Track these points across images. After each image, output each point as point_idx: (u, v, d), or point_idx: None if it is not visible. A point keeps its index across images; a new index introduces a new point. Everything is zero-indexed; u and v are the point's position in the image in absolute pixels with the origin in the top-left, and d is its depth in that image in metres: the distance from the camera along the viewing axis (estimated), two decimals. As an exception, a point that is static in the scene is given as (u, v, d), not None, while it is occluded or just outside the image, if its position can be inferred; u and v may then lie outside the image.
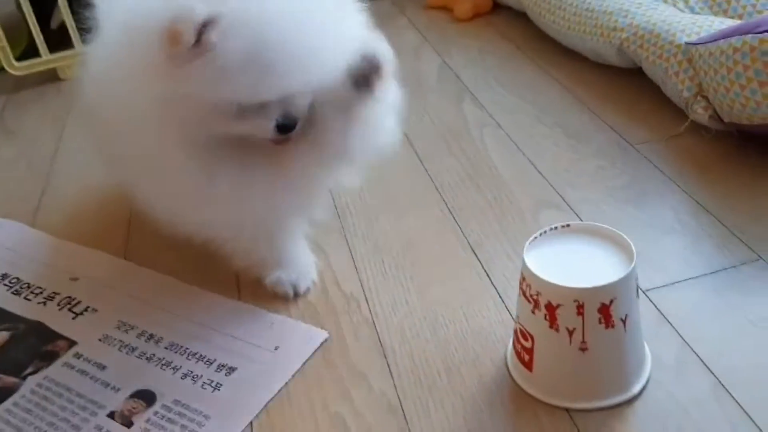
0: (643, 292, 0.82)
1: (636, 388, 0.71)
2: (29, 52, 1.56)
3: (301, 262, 0.91)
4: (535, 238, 0.71)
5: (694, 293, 0.82)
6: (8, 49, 1.51)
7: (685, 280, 0.83)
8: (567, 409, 0.70)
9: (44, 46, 1.54)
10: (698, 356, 0.74)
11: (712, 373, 0.72)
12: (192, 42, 0.65)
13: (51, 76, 1.59)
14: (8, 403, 0.78)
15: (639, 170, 1.03)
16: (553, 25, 1.38)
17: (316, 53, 0.70)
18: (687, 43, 1.07)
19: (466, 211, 1.00)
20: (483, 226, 0.97)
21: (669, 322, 0.78)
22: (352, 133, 0.79)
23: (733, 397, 0.69)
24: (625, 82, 1.25)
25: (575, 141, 1.12)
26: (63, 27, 1.55)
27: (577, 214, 0.96)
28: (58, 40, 1.57)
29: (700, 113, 1.04)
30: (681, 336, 0.76)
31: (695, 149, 1.05)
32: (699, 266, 0.85)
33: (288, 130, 0.74)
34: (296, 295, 0.88)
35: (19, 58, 1.55)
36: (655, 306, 0.80)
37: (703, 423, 0.67)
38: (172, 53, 0.66)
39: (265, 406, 0.75)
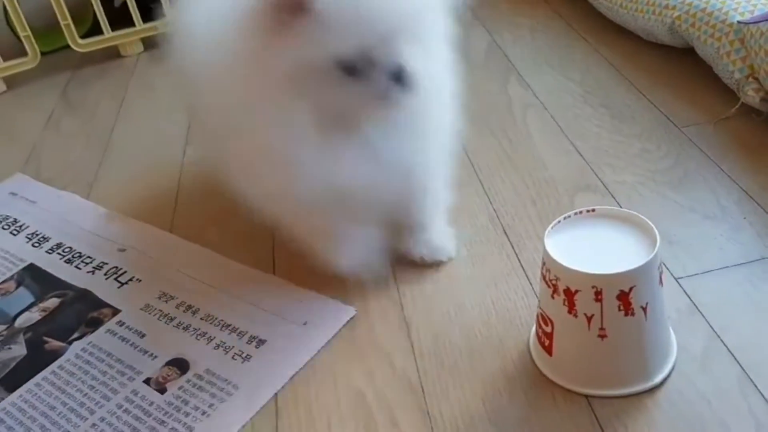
0: (675, 280, 0.81)
1: (658, 378, 0.70)
2: (93, 30, 1.63)
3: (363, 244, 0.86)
4: (558, 222, 0.71)
5: (727, 283, 0.79)
6: (73, 27, 1.57)
7: (720, 269, 0.81)
8: (586, 396, 0.70)
9: (106, 24, 1.60)
10: (726, 347, 0.72)
11: (740, 365, 0.70)
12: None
13: (113, 53, 1.65)
14: (54, 366, 0.83)
15: (683, 153, 1.01)
16: (605, 3, 1.34)
17: None
18: (739, 22, 1.02)
19: (502, 192, 1.00)
20: (517, 207, 0.96)
21: (699, 311, 0.77)
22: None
23: (759, 390, 0.68)
24: (677, 62, 1.21)
25: (619, 122, 1.10)
26: (125, 5, 1.60)
27: (614, 197, 0.95)
28: (120, 18, 1.63)
29: (751, 95, 1.00)
30: (710, 326, 0.75)
31: (744, 133, 1.02)
32: (735, 255, 0.82)
33: (399, 80, 0.71)
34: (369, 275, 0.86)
35: (83, 36, 1.61)
36: (687, 294, 0.79)
37: (726, 415, 0.66)
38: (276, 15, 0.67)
39: (291, 379, 0.77)
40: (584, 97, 1.18)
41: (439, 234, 0.90)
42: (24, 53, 1.55)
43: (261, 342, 0.82)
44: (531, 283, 0.84)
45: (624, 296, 0.65)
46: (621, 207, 0.92)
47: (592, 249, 0.69)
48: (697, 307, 0.77)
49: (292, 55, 0.70)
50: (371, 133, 0.76)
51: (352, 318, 0.83)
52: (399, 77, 0.71)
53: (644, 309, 0.66)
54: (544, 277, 0.69)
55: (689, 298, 0.78)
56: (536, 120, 1.15)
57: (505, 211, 0.96)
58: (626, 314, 0.66)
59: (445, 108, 0.82)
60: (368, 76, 0.71)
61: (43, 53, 1.59)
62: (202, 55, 0.78)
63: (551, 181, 1.00)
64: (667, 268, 0.82)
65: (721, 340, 0.73)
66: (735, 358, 0.71)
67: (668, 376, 0.70)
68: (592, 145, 1.06)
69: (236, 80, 0.74)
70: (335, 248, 0.86)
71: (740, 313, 0.76)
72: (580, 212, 0.72)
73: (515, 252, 0.89)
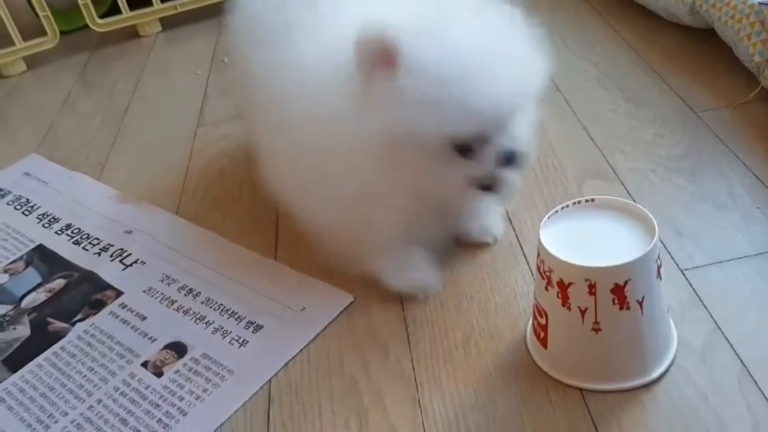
0: (681, 272, 0.78)
1: (655, 373, 0.68)
2: (112, 9, 1.63)
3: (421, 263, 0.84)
4: (556, 212, 0.69)
5: (734, 275, 0.77)
6: (92, 7, 1.58)
7: (728, 260, 0.79)
8: (580, 390, 0.68)
9: (125, 3, 1.60)
10: (728, 341, 0.70)
11: (741, 361, 0.68)
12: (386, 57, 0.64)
13: (132, 33, 1.65)
14: (56, 347, 0.84)
15: (698, 139, 0.97)
16: (626, -19, 1.30)
17: (516, 78, 0.68)
18: (761, 3, 0.98)
19: (509, 178, 0.98)
20: (523, 194, 0.94)
21: (703, 304, 0.74)
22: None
23: (758, 387, 0.66)
24: (697, 44, 1.17)
25: (634, 106, 1.07)
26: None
27: (623, 185, 0.92)
28: (139, -1, 1.63)
29: (771, 79, 0.96)
30: (713, 319, 0.73)
31: (763, 119, 0.98)
32: (745, 246, 0.80)
33: (511, 162, 0.71)
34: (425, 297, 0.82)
35: (102, 16, 1.62)
36: (692, 286, 0.76)
37: (723, 412, 0.64)
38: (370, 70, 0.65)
39: (285, 365, 0.77)
40: (600, 79, 1.15)
41: (490, 214, 0.89)
42: (44, 33, 1.56)
43: (258, 327, 0.82)
44: (532, 272, 0.82)
45: (619, 290, 0.63)
46: (630, 195, 0.90)
47: (589, 240, 0.67)
48: (701, 300, 0.75)
49: (396, 123, 0.67)
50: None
51: (350, 305, 0.83)
52: (511, 159, 0.70)
53: (640, 303, 0.64)
54: (539, 268, 0.68)
55: (694, 290, 0.76)
56: (549, 103, 1.12)
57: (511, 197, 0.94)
58: (621, 308, 0.64)
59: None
60: (480, 156, 0.70)
61: (62, 33, 1.60)
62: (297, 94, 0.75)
63: (560, 167, 0.98)
64: (673, 259, 0.80)
65: (723, 334, 0.71)
66: (736, 353, 0.69)
67: (667, 370, 0.69)
68: (605, 130, 1.03)
69: (328, 136, 0.72)
70: (398, 271, 0.82)
71: (745, 306, 0.73)
72: (579, 202, 0.70)
73: (518, 240, 0.87)
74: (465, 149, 0.69)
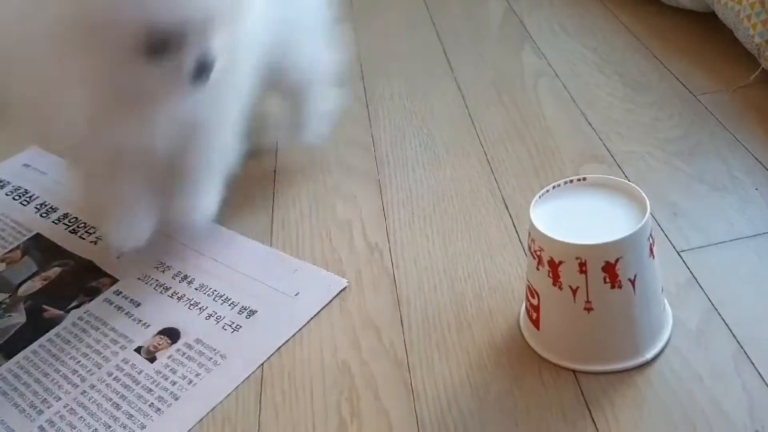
0: (678, 253, 0.77)
1: (649, 354, 0.67)
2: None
3: (135, 219, 0.87)
4: (547, 191, 0.68)
5: (731, 255, 0.76)
6: None
7: (726, 241, 0.78)
8: (573, 371, 0.68)
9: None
10: (724, 322, 0.69)
11: (737, 340, 0.67)
12: None
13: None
14: (51, 334, 0.84)
15: (696, 122, 0.96)
16: (627, -34, 1.29)
17: None
18: (760, -17, 0.97)
19: (506, 162, 0.97)
20: (519, 179, 0.93)
21: (699, 285, 0.73)
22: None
23: (755, 366, 0.65)
24: (697, 27, 1.15)
25: (633, 90, 1.06)
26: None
27: (620, 168, 0.91)
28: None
29: (771, 61, 0.95)
30: (710, 300, 0.72)
31: (763, 101, 0.97)
32: (742, 227, 0.79)
33: (204, 71, 0.67)
34: (119, 256, 0.89)
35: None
36: (688, 268, 0.75)
37: (718, 392, 0.63)
38: None
39: (278, 349, 0.77)
40: (599, 65, 1.14)
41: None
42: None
43: (252, 312, 0.82)
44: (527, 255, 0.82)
45: (610, 268, 0.62)
46: (627, 177, 0.89)
47: (580, 219, 0.66)
48: (697, 281, 0.74)
49: (93, 8, 0.61)
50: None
51: (343, 289, 0.82)
52: (203, 66, 0.67)
53: (632, 282, 0.63)
54: (529, 248, 0.67)
55: (690, 271, 0.75)
56: (547, 89, 1.11)
57: (506, 182, 0.93)
58: (613, 287, 0.63)
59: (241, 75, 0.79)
60: (173, 58, 0.65)
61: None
62: None
63: (557, 152, 0.97)
64: (670, 241, 0.79)
65: (720, 315, 0.70)
66: (732, 333, 0.68)
67: (661, 352, 0.68)
68: (603, 115, 1.02)
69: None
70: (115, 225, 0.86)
71: (742, 287, 0.72)
72: (571, 181, 0.69)
73: (513, 224, 0.87)
74: (159, 47, 0.64)
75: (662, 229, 0.80)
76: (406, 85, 1.19)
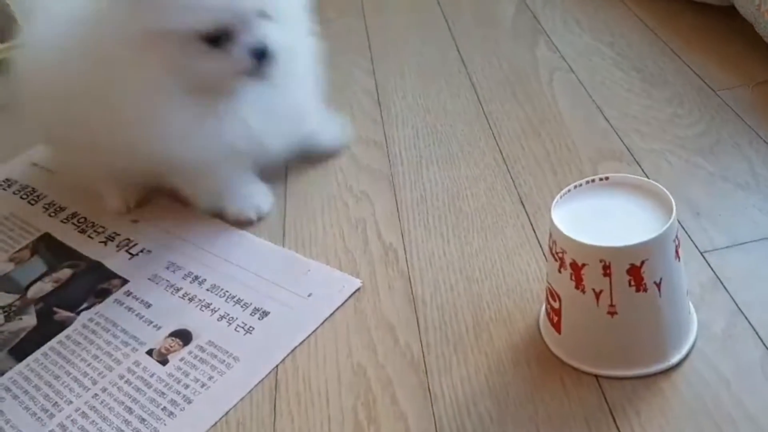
0: (701, 254, 0.76)
1: (674, 358, 0.65)
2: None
3: (256, 190, 0.95)
4: (569, 191, 0.67)
5: (757, 257, 0.74)
6: None
7: (750, 242, 0.76)
8: (596, 376, 0.66)
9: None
10: (751, 325, 0.67)
11: (763, 343, 0.65)
12: None
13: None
14: (62, 336, 0.83)
15: (717, 118, 0.94)
16: (642, -41, 1.26)
17: None
18: (782, -24, 0.95)
19: (522, 160, 0.95)
20: (536, 177, 0.92)
21: (724, 287, 0.71)
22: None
23: (783, 372, 0.63)
24: (716, 22, 1.13)
25: (651, 86, 1.04)
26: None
27: (640, 165, 0.89)
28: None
29: (793, 55, 0.93)
30: (735, 302, 0.70)
31: (785, 96, 0.95)
32: (767, 227, 0.77)
33: (262, 56, 0.80)
34: (260, 218, 0.94)
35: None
36: (712, 269, 0.74)
37: (745, 396, 0.62)
38: None
39: (291, 351, 0.75)
40: (615, 60, 1.12)
41: (331, 122, 1.04)
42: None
43: (264, 314, 0.81)
44: (545, 256, 0.80)
45: (635, 271, 0.60)
46: (647, 175, 0.87)
47: (603, 220, 0.64)
48: (721, 282, 0.72)
49: (152, 21, 0.78)
50: (241, 98, 0.86)
51: (357, 290, 0.81)
52: (261, 53, 0.80)
53: (658, 285, 0.62)
54: (551, 250, 0.65)
55: (714, 272, 0.73)
56: (563, 85, 1.09)
57: (524, 180, 0.92)
58: (638, 290, 0.61)
59: (306, 67, 0.93)
60: (230, 50, 0.80)
61: None
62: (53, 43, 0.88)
63: (574, 149, 0.95)
64: (693, 241, 0.77)
65: (746, 317, 0.68)
66: (759, 336, 0.66)
67: (686, 356, 0.66)
68: (620, 111, 1.00)
69: (92, 47, 0.83)
70: (233, 200, 0.94)
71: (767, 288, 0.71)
72: (593, 180, 0.67)
73: (531, 223, 0.85)
74: (215, 40, 0.79)
75: (684, 229, 0.78)
76: (418, 82, 1.18)
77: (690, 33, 1.14)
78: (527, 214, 0.86)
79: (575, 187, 0.67)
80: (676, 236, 0.62)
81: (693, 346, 0.67)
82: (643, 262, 0.60)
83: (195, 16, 0.77)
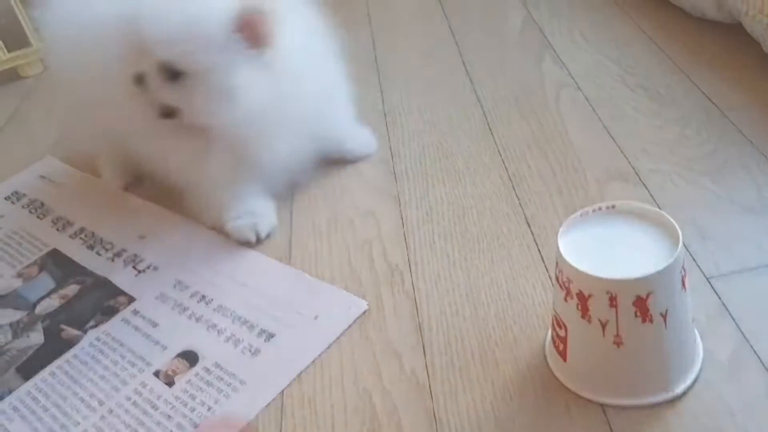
0: (707, 279, 0.75)
1: (679, 388, 0.65)
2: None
3: (260, 208, 0.96)
4: (575, 218, 0.67)
5: (762, 283, 0.74)
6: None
7: (757, 267, 0.76)
8: (601, 405, 0.66)
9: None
10: (757, 355, 0.67)
11: (770, 375, 0.65)
12: None
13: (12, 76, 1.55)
14: (69, 355, 0.84)
15: (724, 139, 0.94)
16: (650, -26, 1.26)
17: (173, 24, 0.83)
18: (791, -4, 0.95)
19: (528, 179, 0.95)
20: (542, 197, 0.92)
21: (730, 314, 0.71)
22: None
23: (789, 403, 0.63)
24: (724, 40, 1.13)
25: (658, 105, 1.04)
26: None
27: (646, 187, 0.89)
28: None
29: (801, 76, 0.93)
30: (741, 331, 0.70)
31: (793, 117, 0.95)
32: (774, 253, 0.77)
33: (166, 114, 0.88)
34: (258, 240, 0.94)
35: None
36: (718, 295, 0.74)
37: (750, 427, 0.62)
38: None
39: (298, 375, 0.76)
40: (622, 77, 1.12)
41: (359, 130, 1.07)
42: None
43: (270, 336, 0.81)
44: (551, 279, 0.80)
45: (641, 302, 0.61)
46: (653, 197, 0.87)
47: (609, 249, 0.64)
48: (727, 310, 0.72)
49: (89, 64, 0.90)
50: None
51: (363, 313, 0.81)
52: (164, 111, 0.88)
53: (664, 316, 0.62)
54: (557, 278, 0.65)
55: (720, 299, 0.73)
56: (569, 102, 1.09)
57: (529, 200, 0.92)
58: (644, 321, 0.61)
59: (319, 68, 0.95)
60: (150, 85, 0.87)
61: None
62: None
63: (581, 169, 0.95)
64: (699, 266, 0.77)
65: (752, 347, 0.68)
66: (764, 366, 0.66)
67: (692, 386, 0.66)
68: (628, 130, 1.00)
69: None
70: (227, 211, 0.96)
71: (775, 317, 0.71)
72: (599, 208, 0.67)
73: (537, 244, 0.85)
74: (139, 79, 0.86)
75: (690, 254, 0.78)
76: (424, 97, 1.18)
77: (697, 49, 1.14)
78: (533, 235, 0.86)
79: (581, 215, 0.67)
80: (683, 267, 0.62)
81: (699, 376, 0.67)
82: (649, 294, 0.60)
83: (129, 57, 0.85)
